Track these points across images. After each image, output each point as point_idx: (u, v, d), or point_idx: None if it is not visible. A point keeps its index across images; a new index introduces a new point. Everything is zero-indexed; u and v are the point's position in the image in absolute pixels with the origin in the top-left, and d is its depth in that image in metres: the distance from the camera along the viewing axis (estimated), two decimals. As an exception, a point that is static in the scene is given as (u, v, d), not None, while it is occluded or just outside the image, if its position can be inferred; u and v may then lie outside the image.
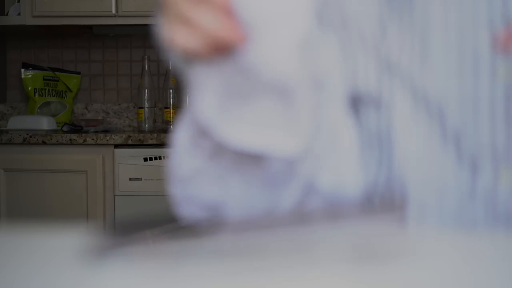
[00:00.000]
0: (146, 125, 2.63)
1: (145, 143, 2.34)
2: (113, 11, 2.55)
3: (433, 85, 0.59)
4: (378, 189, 0.61)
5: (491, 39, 0.58)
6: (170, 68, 2.58)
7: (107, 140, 2.33)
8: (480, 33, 0.58)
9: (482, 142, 0.58)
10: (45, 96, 2.76)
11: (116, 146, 2.35)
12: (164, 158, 2.31)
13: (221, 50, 0.53)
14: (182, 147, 0.62)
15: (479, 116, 0.58)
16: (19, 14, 2.60)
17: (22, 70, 2.77)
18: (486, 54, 0.58)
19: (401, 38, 0.60)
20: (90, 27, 2.74)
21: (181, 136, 0.61)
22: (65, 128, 2.53)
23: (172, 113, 2.59)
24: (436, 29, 0.59)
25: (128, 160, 2.34)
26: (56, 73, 2.79)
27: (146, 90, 2.64)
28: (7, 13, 2.65)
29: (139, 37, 2.83)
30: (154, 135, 2.35)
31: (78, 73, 2.85)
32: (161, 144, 2.32)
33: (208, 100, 0.57)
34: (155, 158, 2.34)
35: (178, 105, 2.60)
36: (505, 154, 0.57)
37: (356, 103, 0.63)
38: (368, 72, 0.62)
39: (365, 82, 0.62)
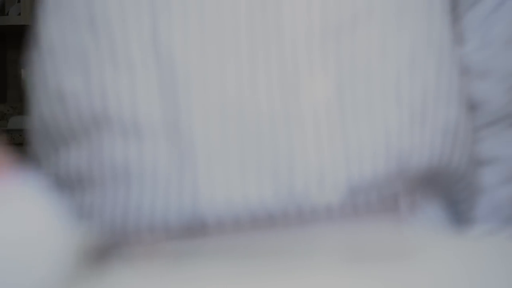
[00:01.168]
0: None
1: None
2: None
3: None
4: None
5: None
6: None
7: (107, 140, 2.32)
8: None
9: None
10: (45, 96, 2.76)
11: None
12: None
13: None
14: None
15: None
16: (19, 14, 2.60)
17: (22, 70, 2.77)
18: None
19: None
20: (90, 27, 2.73)
21: None
22: (65, 128, 2.53)
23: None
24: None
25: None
26: (56, 73, 2.79)
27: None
28: (7, 13, 2.65)
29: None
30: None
31: (78, 73, 2.84)
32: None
33: None
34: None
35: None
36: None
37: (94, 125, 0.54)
38: (122, 89, 0.52)
39: (117, 101, 0.52)
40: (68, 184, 0.56)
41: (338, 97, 0.52)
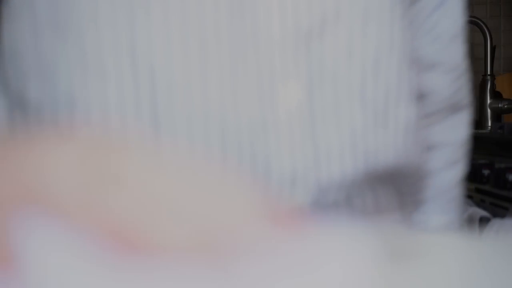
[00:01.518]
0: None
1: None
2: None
3: None
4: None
5: None
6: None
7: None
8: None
9: None
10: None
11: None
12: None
13: None
14: None
15: None
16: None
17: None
18: None
19: None
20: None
21: None
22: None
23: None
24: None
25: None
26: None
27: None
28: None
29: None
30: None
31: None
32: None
33: None
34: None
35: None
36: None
37: None
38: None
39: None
40: None
41: (308, 100, 0.53)
